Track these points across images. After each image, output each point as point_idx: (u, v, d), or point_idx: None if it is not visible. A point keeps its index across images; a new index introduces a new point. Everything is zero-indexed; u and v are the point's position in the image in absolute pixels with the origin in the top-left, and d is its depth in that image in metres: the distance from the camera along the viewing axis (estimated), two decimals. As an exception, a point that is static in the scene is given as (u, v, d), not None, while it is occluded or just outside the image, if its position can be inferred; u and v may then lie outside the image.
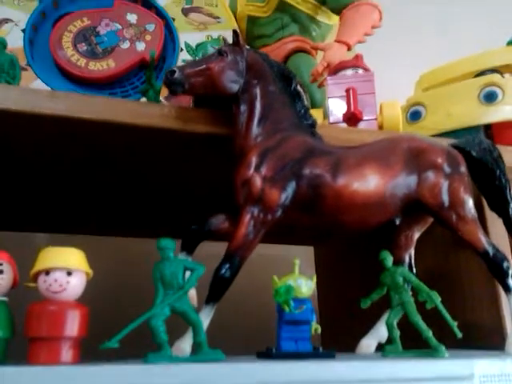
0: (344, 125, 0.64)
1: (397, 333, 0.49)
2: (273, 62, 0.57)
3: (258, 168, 0.51)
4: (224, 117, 0.56)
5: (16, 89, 0.52)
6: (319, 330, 0.47)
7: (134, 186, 0.67)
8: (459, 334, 0.47)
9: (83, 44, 0.64)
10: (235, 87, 0.54)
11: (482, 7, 1.45)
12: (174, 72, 0.51)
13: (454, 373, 0.44)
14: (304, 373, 0.41)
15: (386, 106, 0.65)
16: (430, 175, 0.52)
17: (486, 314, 0.57)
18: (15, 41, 0.71)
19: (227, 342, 0.53)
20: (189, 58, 0.88)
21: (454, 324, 0.47)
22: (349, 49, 0.80)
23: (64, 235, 0.86)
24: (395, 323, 0.50)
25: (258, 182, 0.50)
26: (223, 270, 0.49)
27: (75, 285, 0.42)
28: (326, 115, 0.69)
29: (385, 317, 0.53)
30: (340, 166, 0.51)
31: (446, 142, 0.57)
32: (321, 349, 0.46)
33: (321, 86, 0.80)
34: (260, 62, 0.56)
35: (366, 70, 0.69)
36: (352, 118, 0.63)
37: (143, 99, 0.62)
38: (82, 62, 0.62)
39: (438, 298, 0.48)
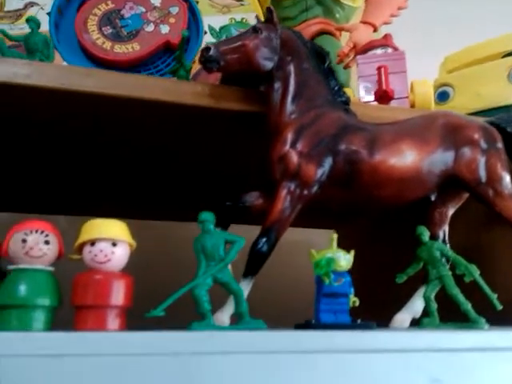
0: (375, 103, 0.64)
1: (434, 306, 0.50)
2: (306, 39, 0.57)
3: (294, 144, 0.51)
4: (256, 95, 0.56)
5: (51, 66, 0.53)
6: (357, 303, 0.47)
7: (165, 166, 0.67)
8: (499, 306, 0.47)
9: (108, 27, 0.64)
10: (270, 64, 0.54)
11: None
12: (209, 49, 0.51)
13: (495, 344, 0.44)
14: (344, 341, 0.42)
15: (417, 84, 0.65)
16: (467, 151, 0.52)
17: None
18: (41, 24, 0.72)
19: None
20: (213, 40, 0.88)
21: (494, 296, 0.47)
22: (375, 30, 0.80)
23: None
24: (432, 297, 0.50)
25: (294, 157, 0.50)
26: (260, 245, 0.49)
27: (120, 255, 0.43)
28: (355, 95, 0.68)
29: (419, 292, 0.53)
30: (376, 141, 0.51)
31: (480, 120, 0.56)
32: (359, 321, 0.47)
33: (347, 67, 0.80)
34: (294, 40, 0.56)
35: (395, 49, 0.68)
36: (384, 97, 0.63)
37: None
38: (108, 45, 0.62)
39: (476, 271, 0.48)
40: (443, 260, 0.50)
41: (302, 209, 0.51)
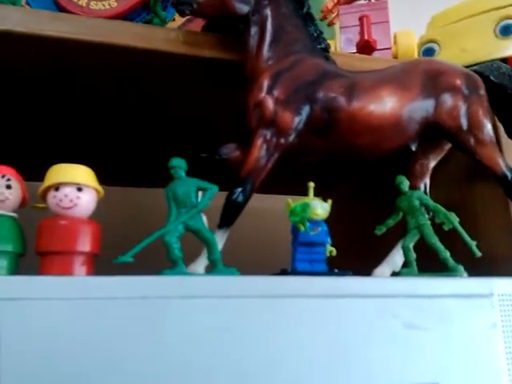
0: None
1: (413, 256, 0.49)
2: (283, -17, 0.55)
3: (270, 90, 0.49)
4: (233, 42, 0.54)
5: (18, 9, 0.50)
6: (334, 253, 0.46)
7: (139, 118, 0.65)
8: (478, 253, 0.46)
9: (84, -17, 0.61)
10: (245, 8, 0.51)
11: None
12: (181, -9, 0.49)
13: (473, 291, 0.43)
14: (319, 287, 0.41)
15: (400, 35, 0.63)
16: (449, 97, 0.50)
17: (500, 243, 0.57)
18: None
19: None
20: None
21: (473, 243, 0.46)
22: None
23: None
24: (411, 246, 0.49)
25: (270, 104, 0.48)
26: (236, 195, 0.48)
27: (86, 201, 0.41)
28: (337, 47, 0.66)
29: (399, 245, 0.52)
30: (355, 88, 0.49)
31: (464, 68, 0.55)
32: (336, 270, 0.46)
33: (331, 24, 0.77)
34: (271, -17, 0.53)
35: None
36: (366, 47, 0.61)
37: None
38: (83, 1, 0.59)
39: (455, 219, 0.47)
40: (422, 209, 0.49)
41: (279, 159, 0.49)
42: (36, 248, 0.40)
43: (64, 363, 0.35)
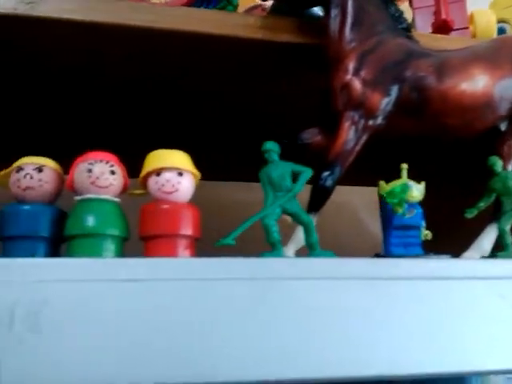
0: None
1: (509, 238, 0.47)
2: (361, -37, 0.53)
3: (357, 72, 0.48)
4: (311, 25, 0.53)
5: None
6: (429, 236, 0.45)
7: (216, 106, 0.65)
8: None
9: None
10: (326, -11, 0.51)
11: None
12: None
13: None
14: (419, 269, 0.40)
15: (478, 14, 0.61)
16: (542, 74, 0.48)
17: None
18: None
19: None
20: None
21: None
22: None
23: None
24: (508, 228, 0.47)
25: (358, 85, 0.48)
26: (323, 179, 0.47)
27: (186, 186, 0.41)
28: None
29: (488, 229, 0.51)
30: (444, 67, 0.48)
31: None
32: (432, 254, 0.45)
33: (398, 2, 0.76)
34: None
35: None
36: (443, 27, 0.59)
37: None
38: None
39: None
40: (518, 190, 0.47)
41: (367, 141, 0.49)
42: (140, 232, 0.40)
43: (171, 344, 0.35)
